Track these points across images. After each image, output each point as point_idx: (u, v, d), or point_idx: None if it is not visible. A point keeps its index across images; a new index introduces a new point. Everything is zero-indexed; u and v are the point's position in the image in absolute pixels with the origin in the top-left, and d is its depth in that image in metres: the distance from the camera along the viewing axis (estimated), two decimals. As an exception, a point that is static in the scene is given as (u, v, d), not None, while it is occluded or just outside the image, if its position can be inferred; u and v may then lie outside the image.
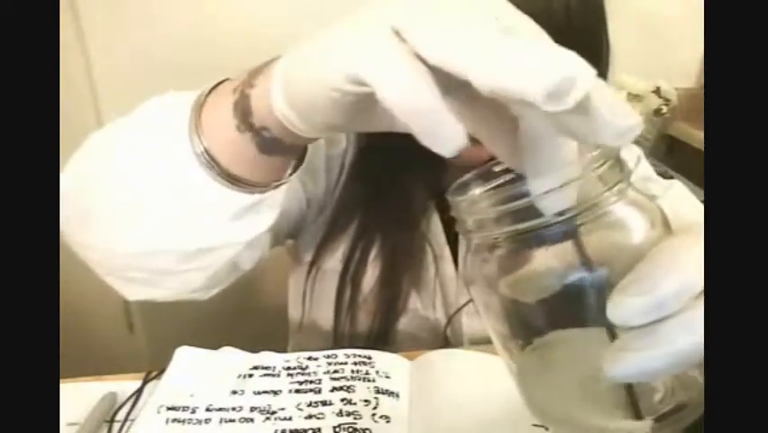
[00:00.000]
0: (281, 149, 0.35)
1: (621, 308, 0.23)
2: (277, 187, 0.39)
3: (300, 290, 0.66)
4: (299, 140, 0.34)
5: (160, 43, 1.16)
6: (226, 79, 0.37)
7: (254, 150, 0.35)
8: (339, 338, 0.63)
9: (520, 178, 0.25)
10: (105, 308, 1.46)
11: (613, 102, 0.21)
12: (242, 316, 1.32)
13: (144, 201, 0.38)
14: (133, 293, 0.45)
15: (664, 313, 0.22)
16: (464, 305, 0.62)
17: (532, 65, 0.20)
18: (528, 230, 0.25)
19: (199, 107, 0.36)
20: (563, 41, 0.24)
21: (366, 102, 0.26)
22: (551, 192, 0.23)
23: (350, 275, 0.62)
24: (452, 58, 0.22)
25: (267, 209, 0.40)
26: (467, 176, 0.27)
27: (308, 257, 0.65)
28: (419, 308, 0.63)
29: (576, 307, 0.25)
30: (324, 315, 0.65)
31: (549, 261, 0.25)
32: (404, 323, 0.62)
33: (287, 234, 0.65)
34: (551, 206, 0.24)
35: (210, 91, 0.37)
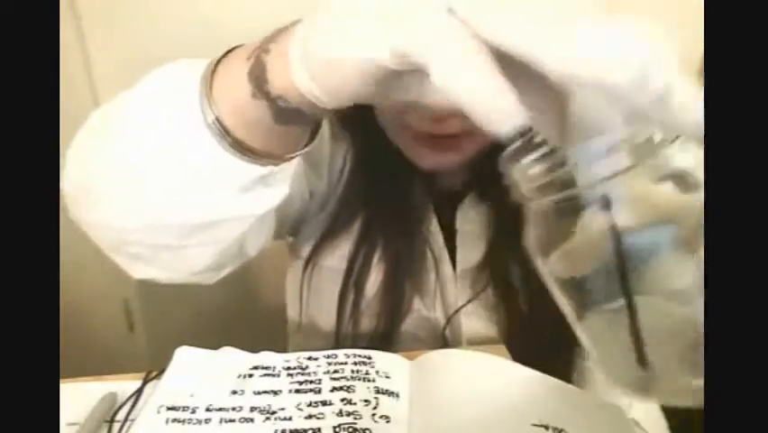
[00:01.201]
0: (298, 119, 0.34)
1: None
2: (289, 159, 0.37)
3: (297, 288, 0.66)
4: (317, 110, 0.33)
5: (161, 43, 1.16)
6: (238, 46, 0.36)
7: (269, 119, 0.34)
8: (341, 340, 0.63)
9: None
10: (105, 308, 1.46)
11: (688, 93, 0.21)
12: (242, 316, 1.32)
13: (148, 173, 0.37)
14: (138, 271, 0.44)
15: None
16: (463, 306, 0.62)
17: (611, 52, 0.19)
18: (576, 195, 0.24)
19: (210, 75, 0.35)
20: None
21: (400, 75, 0.26)
22: (598, 158, 0.23)
23: (353, 280, 0.62)
24: (520, 42, 0.21)
25: (277, 183, 0.39)
26: (516, 144, 0.27)
27: (306, 253, 0.65)
28: (421, 309, 0.63)
29: (634, 272, 0.25)
30: (324, 314, 0.65)
31: (602, 226, 0.25)
32: (406, 324, 0.62)
33: (289, 227, 0.65)
34: (599, 171, 0.23)
35: (221, 59, 0.36)
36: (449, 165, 0.56)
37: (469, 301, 0.62)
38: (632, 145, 0.24)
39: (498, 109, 0.22)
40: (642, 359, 0.25)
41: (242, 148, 0.35)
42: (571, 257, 0.26)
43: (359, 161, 0.63)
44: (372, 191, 0.62)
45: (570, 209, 0.25)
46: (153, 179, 0.37)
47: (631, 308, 0.25)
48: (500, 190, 0.55)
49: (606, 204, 0.24)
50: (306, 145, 0.39)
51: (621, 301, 0.25)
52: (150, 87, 0.38)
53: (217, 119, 0.34)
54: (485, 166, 0.57)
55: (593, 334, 0.28)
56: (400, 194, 0.61)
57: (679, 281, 0.24)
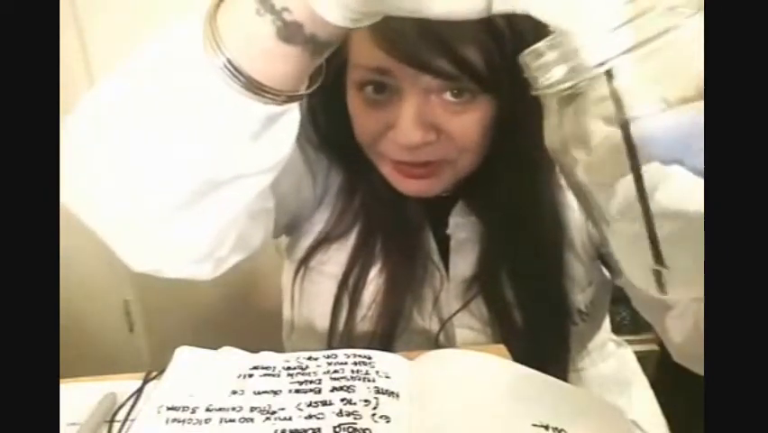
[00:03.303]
0: (300, 37, 0.34)
1: None
2: (294, 100, 0.38)
3: (289, 289, 0.67)
4: (321, 27, 0.33)
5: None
6: None
7: (273, 36, 0.34)
8: (335, 347, 0.63)
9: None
10: (105, 308, 1.46)
11: None
12: (242, 316, 1.32)
13: (159, 134, 0.37)
14: (140, 262, 0.44)
15: None
16: (454, 314, 0.62)
17: None
18: (591, 75, 0.25)
19: (213, 17, 0.35)
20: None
21: None
22: (613, 31, 0.24)
23: (349, 290, 0.62)
24: None
25: (283, 129, 0.39)
26: (538, 44, 0.28)
27: (299, 255, 0.65)
28: (417, 319, 0.63)
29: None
30: (317, 317, 0.65)
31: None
32: (400, 332, 0.63)
33: (285, 224, 0.65)
34: (615, 45, 0.24)
35: (219, 2, 0.36)
36: (427, 192, 0.57)
37: (460, 309, 0.62)
38: (638, 24, 0.24)
39: None
40: (658, 257, 0.26)
41: (252, 85, 0.35)
42: (591, 167, 0.27)
43: (350, 179, 0.64)
44: (367, 201, 0.63)
45: (590, 98, 0.26)
46: (165, 141, 0.37)
47: (644, 200, 0.25)
48: (489, 197, 0.56)
49: (610, 77, 0.25)
50: (309, 86, 0.39)
51: (638, 210, 0.26)
52: (149, 52, 0.38)
53: (228, 60, 0.34)
54: (472, 176, 0.58)
55: (616, 240, 0.29)
56: (394, 205, 0.61)
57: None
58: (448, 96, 0.51)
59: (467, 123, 0.52)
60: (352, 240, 0.63)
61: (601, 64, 0.25)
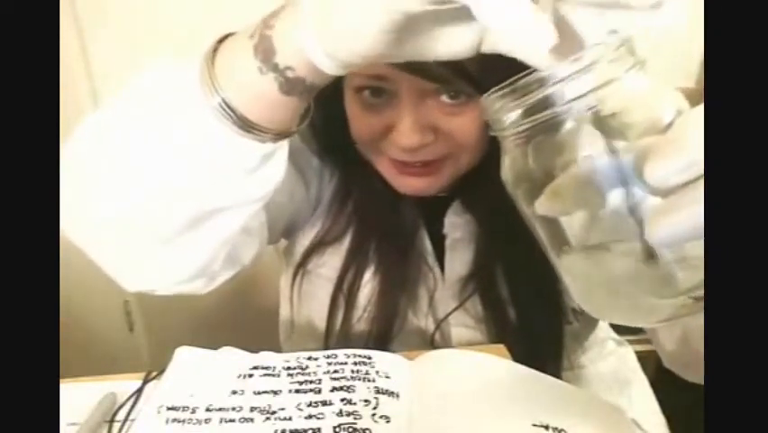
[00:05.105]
0: (301, 88, 0.35)
1: (658, 169, 0.22)
2: (289, 136, 0.39)
3: (288, 292, 0.67)
4: (321, 78, 0.34)
5: (163, 43, 1.16)
6: (229, 34, 0.37)
7: (276, 91, 0.35)
8: (332, 348, 0.63)
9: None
10: (105, 308, 1.46)
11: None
12: (242, 316, 1.32)
13: (155, 166, 0.38)
14: (133, 282, 0.45)
15: (700, 171, 0.22)
16: (450, 313, 0.62)
17: None
18: (548, 117, 0.26)
19: (210, 60, 0.36)
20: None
21: (408, 29, 0.29)
22: (567, 78, 0.25)
23: (344, 293, 0.63)
24: None
25: (276, 163, 0.40)
26: (495, 89, 0.28)
27: (297, 259, 0.66)
28: (412, 319, 0.64)
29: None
30: (316, 319, 0.65)
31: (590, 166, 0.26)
32: (396, 332, 0.63)
33: (282, 230, 0.65)
34: (569, 91, 0.25)
35: (217, 46, 0.37)
36: (427, 190, 0.58)
37: (456, 308, 0.62)
38: (606, 63, 0.26)
39: (537, 37, 0.25)
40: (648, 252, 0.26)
41: (247, 126, 0.36)
42: (556, 196, 0.27)
43: (344, 180, 0.65)
44: (361, 204, 0.63)
45: (546, 139, 0.27)
46: (161, 171, 0.37)
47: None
48: (485, 196, 0.56)
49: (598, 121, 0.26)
50: (300, 123, 0.40)
51: (597, 240, 0.28)
52: (145, 85, 0.38)
53: (223, 100, 0.35)
54: (468, 174, 0.58)
55: (571, 269, 0.30)
56: (389, 207, 0.62)
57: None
58: (445, 98, 0.51)
59: (464, 123, 0.53)
60: (346, 243, 0.64)
61: (568, 103, 0.26)
